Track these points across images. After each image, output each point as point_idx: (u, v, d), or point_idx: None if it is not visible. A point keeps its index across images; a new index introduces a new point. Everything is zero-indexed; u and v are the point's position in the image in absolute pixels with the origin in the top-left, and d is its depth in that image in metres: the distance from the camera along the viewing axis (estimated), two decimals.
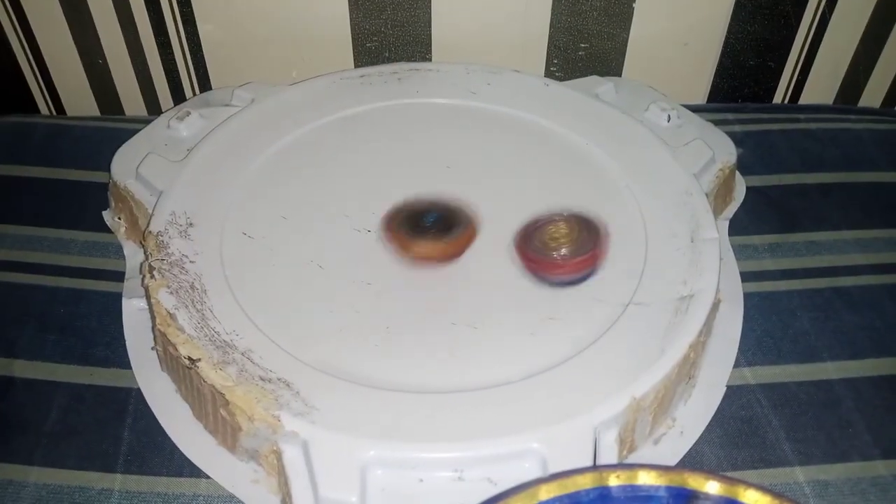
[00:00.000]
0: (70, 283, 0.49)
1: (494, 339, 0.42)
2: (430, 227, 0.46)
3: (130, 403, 0.43)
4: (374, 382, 0.40)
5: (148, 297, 0.43)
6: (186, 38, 0.61)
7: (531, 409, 0.39)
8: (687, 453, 0.42)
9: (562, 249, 0.44)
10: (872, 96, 0.69)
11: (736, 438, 0.43)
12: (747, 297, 0.49)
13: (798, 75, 0.66)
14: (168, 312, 0.41)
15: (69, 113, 0.66)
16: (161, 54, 0.62)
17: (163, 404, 0.43)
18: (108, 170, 0.51)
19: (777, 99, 0.68)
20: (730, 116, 0.62)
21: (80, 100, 0.65)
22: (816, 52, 0.65)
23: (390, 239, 0.46)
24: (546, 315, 0.43)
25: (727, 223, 0.53)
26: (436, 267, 0.45)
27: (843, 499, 0.40)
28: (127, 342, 0.46)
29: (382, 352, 0.41)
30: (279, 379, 0.39)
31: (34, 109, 0.66)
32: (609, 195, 0.50)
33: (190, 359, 0.40)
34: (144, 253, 0.45)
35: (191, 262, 0.44)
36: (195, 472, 0.41)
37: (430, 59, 0.64)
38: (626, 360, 0.40)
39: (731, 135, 0.55)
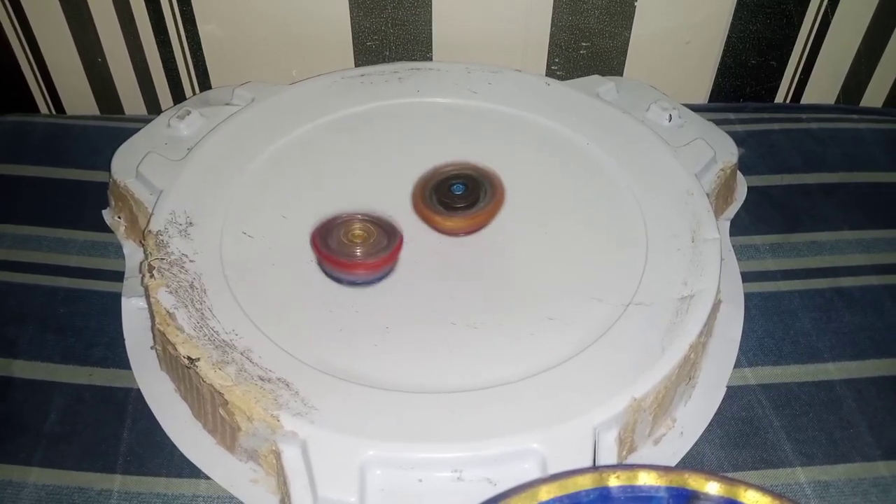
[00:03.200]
0: (69, 282, 0.49)
1: (494, 338, 0.42)
2: (457, 198, 0.46)
3: (130, 403, 0.43)
4: (374, 382, 0.39)
5: (147, 296, 0.43)
6: (186, 36, 0.61)
7: (531, 409, 0.38)
8: (687, 454, 0.42)
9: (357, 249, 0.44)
10: (874, 96, 0.68)
11: (737, 439, 0.43)
12: (748, 297, 0.49)
13: (800, 75, 0.66)
14: (167, 312, 0.41)
15: (69, 112, 0.66)
16: (161, 53, 0.62)
17: (162, 404, 0.43)
18: (108, 169, 0.51)
19: (779, 98, 0.68)
20: (731, 116, 0.62)
21: (79, 99, 0.65)
22: (818, 51, 0.65)
23: (419, 213, 0.47)
24: (546, 315, 0.43)
25: (728, 223, 0.53)
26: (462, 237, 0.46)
27: (845, 499, 0.40)
28: (126, 342, 0.46)
29: (382, 352, 0.41)
30: (278, 379, 0.39)
31: (34, 109, 0.66)
32: (610, 195, 0.49)
33: (189, 358, 0.40)
34: (144, 252, 0.45)
35: (190, 261, 0.44)
36: (194, 472, 0.41)
37: (430, 58, 0.64)
38: (626, 361, 0.40)
39: (733, 134, 0.55)
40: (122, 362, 0.45)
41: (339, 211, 0.46)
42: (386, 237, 0.45)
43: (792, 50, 0.64)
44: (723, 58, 0.65)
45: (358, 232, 0.45)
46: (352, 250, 0.44)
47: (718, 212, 0.52)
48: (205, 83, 0.64)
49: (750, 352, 0.47)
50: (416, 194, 0.48)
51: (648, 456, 0.41)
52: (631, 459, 0.41)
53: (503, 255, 0.46)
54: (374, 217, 0.46)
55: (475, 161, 0.49)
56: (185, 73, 0.64)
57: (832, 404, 0.44)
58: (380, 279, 0.44)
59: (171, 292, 0.42)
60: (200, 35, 0.61)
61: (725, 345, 0.46)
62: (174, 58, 0.63)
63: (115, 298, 0.47)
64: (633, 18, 0.62)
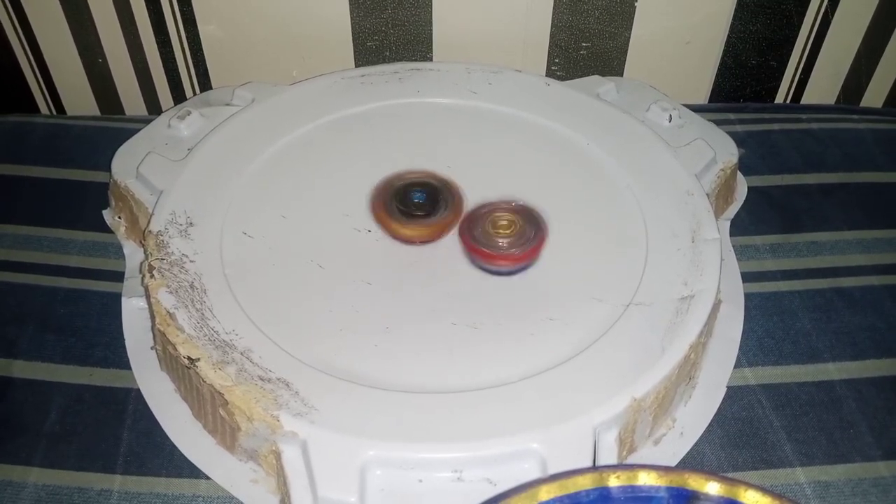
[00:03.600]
0: (69, 282, 0.49)
1: (494, 339, 0.42)
2: (416, 206, 0.46)
3: (130, 404, 0.43)
4: (374, 382, 0.39)
5: (147, 296, 0.43)
6: (187, 37, 0.61)
7: (531, 409, 0.38)
8: (688, 454, 0.42)
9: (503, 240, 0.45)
10: (874, 96, 0.68)
11: (737, 439, 0.43)
12: (748, 297, 0.49)
13: (800, 75, 0.66)
14: (167, 312, 0.41)
15: (69, 112, 0.66)
16: (161, 53, 0.62)
17: (162, 404, 0.43)
18: (108, 169, 0.51)
19: (779, 98, 0.68)
20: (731, 116, 0.62)
21: (80, 99, 0.65)
22: (818, 51, 0.65)
23: (378, 221, 0.46)
24: (546, 315, 0.43)
25: (728, 223, 0.53)
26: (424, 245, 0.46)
27: (845, 500, 0.40)
28: (126, 342, 0.46)
29: (382, 352, 0.41)
30: (278, 379, 0.39)
31: (34, 109, 0.66)
32: (610, 195, 0.49)
33: (189, 358, 0.40)
34: (144, 252, 0.45)
35: (190, 261, 0.44)
36: (194, 472, 0.41)
37: (431, 59, 0.64)
38: (626, 361, 0.40)
39: (733, 134, 0.55)
40: (123, 362, 0.45)
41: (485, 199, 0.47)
42: (533, 227, 0.46)
43: (792, 50, 0.65)
44: (723, 58, 0.65)
45: (503, 223, 0.46)
46: (496, 241, 0.45)
47: (718, 212, 0.52)
48: (205, 84, 0.64)
49: (750, 352, 0.47)
50: (375, 200, 0.48)
51: (648, 456, 0.41)
52: (631, 459, 0.41)
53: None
54: (520, 207, 0.47)
55: (439, 169, 0.49)
56: (185, 73, 0.64)
57: (832, 404, 0.44)
58: (525, 268, 0.45)
59: (171, 292, 0.42)
60: (201, 35, 0.61)
61: (725, 345, 0.46)
62: (174, 58, 0.63)
63: (116, 298, 0.47)
64: (633, 19, 0.62)
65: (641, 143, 0.52)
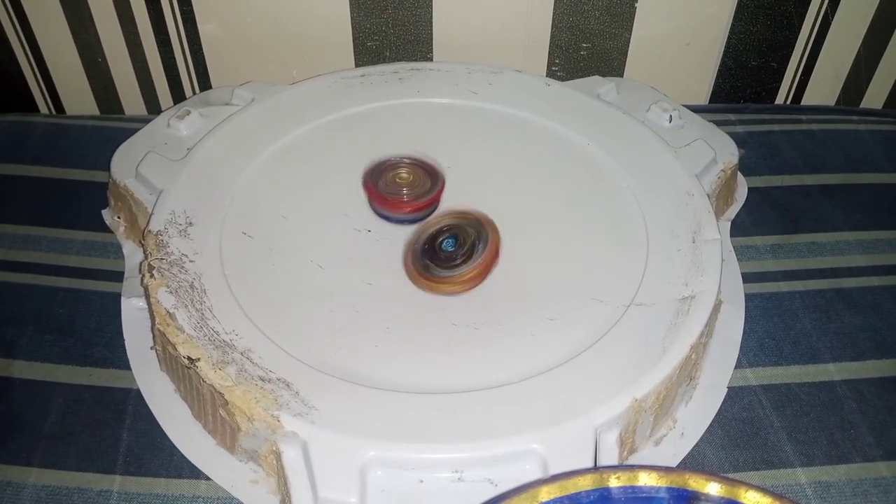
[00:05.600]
0: (69, 282, 0.49)
1: (495, 339, 0.42)
2: (449, 255, 0.44)
3: (129, 404, 0.43)
4: (374, 383, 0.39)
5: (147, 296, 0.43)
6: (186, 36, 0.61)
7: (532, 409, 0.38)
8: (688, 454, 0.42)
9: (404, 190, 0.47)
10: (875, 97, 0.68)
11: (737, 440, 0.43)
12: (749, 298, 0.49)
13: (800, 76, 0.66)
14: (167, 312, 0.41)
15: (68, 112, 0.66)
16: (161, 53, 0.62)
17: (162, 405, 0.43)
18: (108, 169, 0.51)
19: (779, 99, 0.68)
20: (732, 117, 0.62)
21: (79, 99, 0.65)
22: (819, 52, 0.65)
23: (412, 277, 0.45)
24: (546, 316, 0.43)
25: (729, 224, 0.53)
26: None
27: (845, 500, 0.40)
28: (126, 342, 0.45)
29: (382, 352, 0.41)
30: (278, 379, 0.39)
31: (33, 108, 0.66)
32: (610, 196, 0.49)
33: (189, 359, 0.39)
34: (144, 252, 0.45)
35: (190, 261, 0.44)
36: (194, 472, 0.40)
37: (431, 59, 0.64)
38: (627, 362, 0.40)
39: (733, 135, 0.55)
40: (122, 363, 0.45)
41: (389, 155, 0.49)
42: (430, 180, 0.48)
43: (792, 51, 0.65)
44: (723, 59, 0.65)
45: (404, 175, 0.48)
46: (399, 190, 0.47)
47: (719, 212, 0.52)
48: (205, 83, 0.64)
49: (750, 352, 0.47)
50: (406, 256, 0.45)
51: (649, 457, 0.41)
52: (632, 460, 0.41)
53: (504, 255, 0.46)
54: (419, 161, 0.49)
55: (468, 208, 0.47)
56: (185, 73, 0.63)
57: (833, 405, 0.44)
58: (422, 217, 0.47)
59: (170, 292, 0.42)
60: (200, 35, 0.61)
61: (726, 345, 0.46)
62: (174, 58, 0.63)
63: (115, 298, 0.47)
64: (633, 19, 0.62)
65: (642, 143, 0.52)
